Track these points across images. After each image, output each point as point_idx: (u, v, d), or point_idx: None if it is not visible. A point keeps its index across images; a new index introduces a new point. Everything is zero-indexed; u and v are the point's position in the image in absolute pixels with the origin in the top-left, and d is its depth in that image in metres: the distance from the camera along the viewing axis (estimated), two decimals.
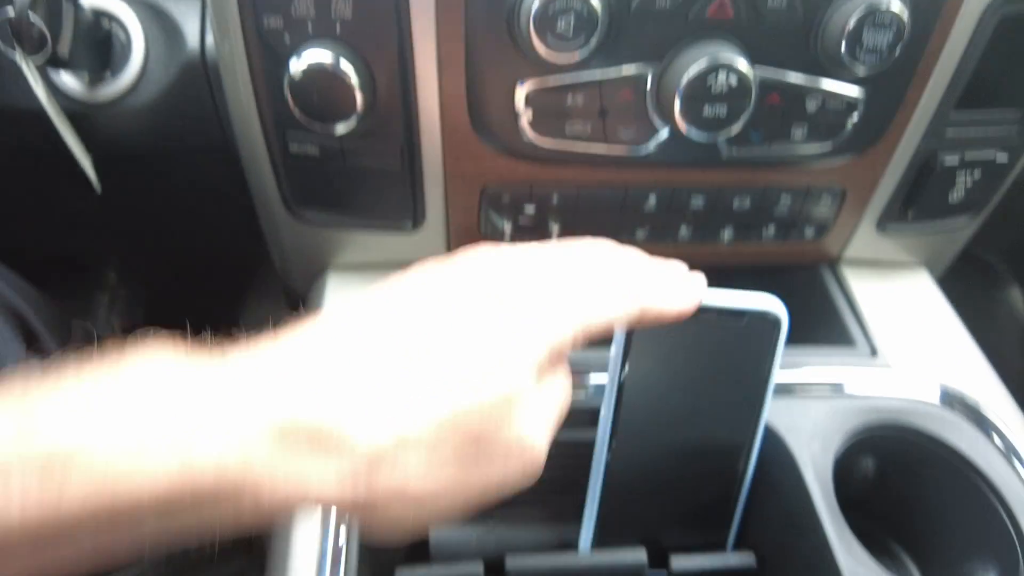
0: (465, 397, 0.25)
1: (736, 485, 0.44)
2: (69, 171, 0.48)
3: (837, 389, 0.46)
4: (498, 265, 0.28)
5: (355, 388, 0.24)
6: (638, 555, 0.42)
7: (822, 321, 0.52)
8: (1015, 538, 0.40)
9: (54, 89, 0.48)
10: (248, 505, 0.21)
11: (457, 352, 0.25)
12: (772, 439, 0.43)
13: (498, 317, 0.26)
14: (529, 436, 0.26)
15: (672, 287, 0.32)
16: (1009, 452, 0.44)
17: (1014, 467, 0.43)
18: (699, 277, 0.34)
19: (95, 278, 0.78)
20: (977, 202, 0.50)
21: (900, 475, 0.46)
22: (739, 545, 0.45)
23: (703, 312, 0.39)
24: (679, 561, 0.43)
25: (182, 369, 0.22)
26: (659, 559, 0.43)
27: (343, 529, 0.38)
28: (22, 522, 0.18)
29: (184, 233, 0.65)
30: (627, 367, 0.39)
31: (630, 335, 0.39)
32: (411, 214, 0.46)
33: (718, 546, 0.45)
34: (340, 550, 0.37)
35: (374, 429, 0.23)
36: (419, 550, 0.44)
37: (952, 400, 0.46)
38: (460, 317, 0.26)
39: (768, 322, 0.39)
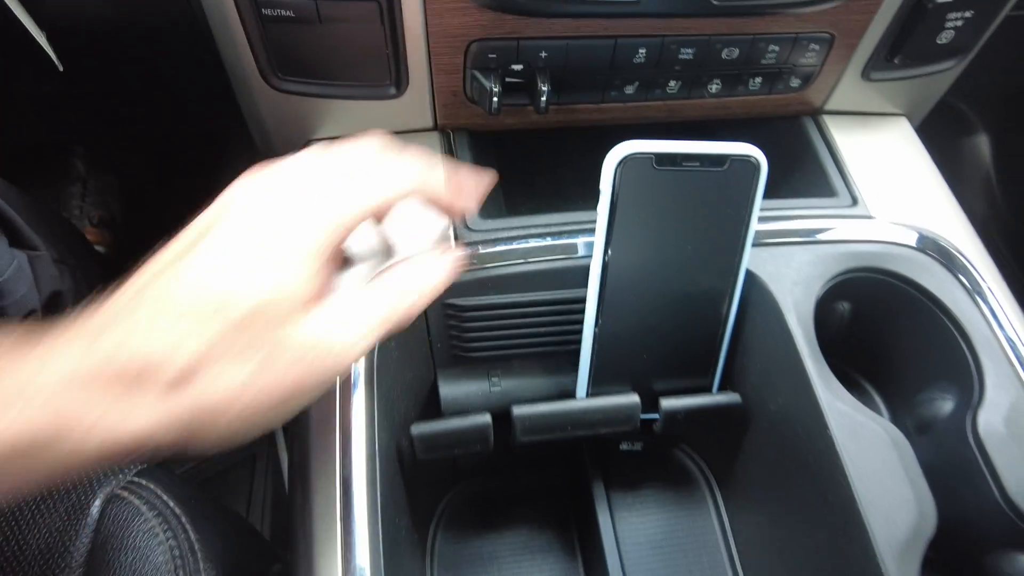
0: (241, 303, 0.26)
1: (720, 330, 0.46)
2: (28, 51, 0.45)
3: (819, 238, 0.48)
4: (260, 183, 0.30)
5: (144, 324, 0.26)
6: (631, 399, 0.45)
7: (805, 172, 0.52)
8: (972, 367, 0.44)
9: None
10: (68, 450, 0.24)
11: (228, 266, 0.27)
12: (757, 287, 0.45)
13: (261, 227, 0.28)
14: (322, 336, 0.28)
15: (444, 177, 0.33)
16: (974, 291, 0.46)
17: (978, 304, 0.46)
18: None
19: (62, 170, 0.75)
20: (965, 44, 0.50)
21: (873, 316, 0.49)
22: (724, 388, 0.49)
23: (687, 159, 0.40)
24: (669, 402, 0.46)
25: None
26: (651, 404, 0.47)
27: (360, 393, 0.40)
28: None
29: (155, 114, 0.62)
30: (615, 224, 0.41)
31: (616, 191, 0.39)
32: (393, 78, 0.45)
33: (704, 389, 0.48)
34: (359, 413, 0.39)
35: (167, 353, 0.25)
36: (431, 407, 0.46)
37: (926, 244, 0.48)
38: (229, 236, 0.28)
39: (749, 166, 0.41)
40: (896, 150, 0.55)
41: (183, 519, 0.40)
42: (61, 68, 0.46)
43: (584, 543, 0.53)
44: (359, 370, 0.40)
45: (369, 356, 0.40)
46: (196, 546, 0.39)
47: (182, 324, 0.26)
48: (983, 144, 1.04)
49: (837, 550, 0.39)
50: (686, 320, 0.45)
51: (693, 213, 0.42)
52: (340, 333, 0.28)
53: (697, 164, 0.40)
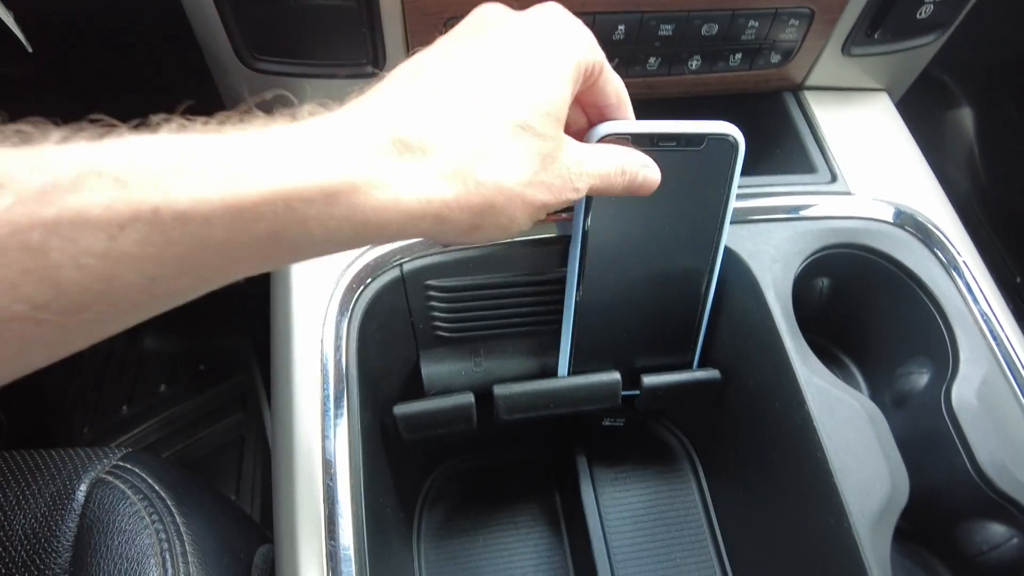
0: (524, 106, 0.29)
1: (699, 308, 0.47)
2: None
3: (798, 215, 0.48)
4: (513, 14, 0.33)
5: (438, 108, 0.28)
6: (612, 376, 0.46)
7: (785, 149, 0.53)
8: (948, 341, 0.45)
9: None
10: (358, 200, 0.26)
11: (509, 70, 0.30)
12: (736, 264, 0.45)
13: (532, 49, 0.31)
14: (578, 156, 0.31)
15: None
16: (950, 266, 0.47)
17: (954, 279, 0.47)
18: None
19: None
20: (944, 19, 0.50)
21: (852, 292, 0.50)
22: (704, 364, 0.49)
23: (664, 139, 0.40)
24: (649, 379, 0.47)
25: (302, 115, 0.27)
26: (632, 381, 0.47)
27: (343, 374, 0.40)
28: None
29: (131, 96, 0.61)
30: (594, 204, 0.41)
31: None
32: (370, 56, 0.44)
33: (685, 366, 0.49)
34: (341, 393, 0.39)
35: (459, 137, 0.28)
36: (415, 387, 0.47)
37: (904, 220, 0.48)
38: (504, 47, 0.31)
39: (727, 145, 0.41)
40: (876, 125, 0.55)
41: (169, 502, 0.41)
42: (31, 50, 0.45)
43: (568, 517, 0.54)
44: (341, 350, 0.40)
45: (353, 337, 0.41)
46: (182, 529, 0.40)
47: (471, 115, 0.28)
48: (966, 117, 1.05)
49: (814, 520, 0.40)
50: (666, 298, 0.46)
51: (672, 192, 0.42)
52: (584, 160, 0.31)
53: (675, 144, 0.40)
